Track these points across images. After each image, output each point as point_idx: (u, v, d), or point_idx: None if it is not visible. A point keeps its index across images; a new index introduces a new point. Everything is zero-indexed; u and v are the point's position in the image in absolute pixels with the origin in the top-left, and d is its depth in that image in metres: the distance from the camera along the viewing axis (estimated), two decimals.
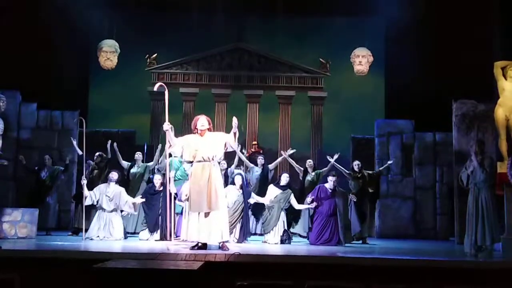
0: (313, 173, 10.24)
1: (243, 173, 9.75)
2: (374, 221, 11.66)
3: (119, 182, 9.41)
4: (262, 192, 9.49)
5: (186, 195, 7.47)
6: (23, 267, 5.83)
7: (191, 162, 7.39)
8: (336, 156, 10.04)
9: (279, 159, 10.75)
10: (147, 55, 14.59)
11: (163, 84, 7.77)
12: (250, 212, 9.33)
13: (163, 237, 8.84)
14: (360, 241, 9.53)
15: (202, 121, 7.39)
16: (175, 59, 14.80)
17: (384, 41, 13.96)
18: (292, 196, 9.10)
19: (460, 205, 9.49)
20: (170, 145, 7.42)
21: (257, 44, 14.84)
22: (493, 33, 10.94)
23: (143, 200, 9.20)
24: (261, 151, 13.28)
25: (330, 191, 9.05)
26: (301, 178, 10.38)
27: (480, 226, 7.45)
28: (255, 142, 13.86)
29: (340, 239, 8.80)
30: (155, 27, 14.12)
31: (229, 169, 10.01)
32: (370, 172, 10.33)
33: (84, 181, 9.09)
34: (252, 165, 10.41)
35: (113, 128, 12.94)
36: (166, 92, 7.63)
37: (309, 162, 10.47)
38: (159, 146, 10.42)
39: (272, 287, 5.19)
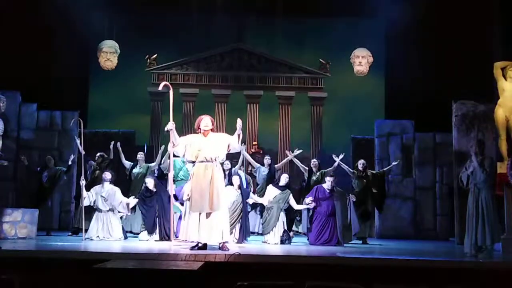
0: (318, 173, 10.25)
1: (243, 173, 9.77)
2: (374, 221, 11.66)
3: (114, 182, 9.41)
4: None
5: (188, 195, 7.45)
6: (23, 267, 5.82)
7: (194, 162, 7.38)
8: (341, 156, 10.14)
9: (286, 159, 10.69)
10: (147, 56, 14.60)
11: (168, 83, 7.76)
12: (258, 211, 9.32)
13: (162, 238, 8.85)
14: (360, 241, 9.52)
15: (206, 121, 7.39)
16: (175, 59, 14.80)
17: (384, 41, 13.95)
18: (291, 196, 9.10)
19: (460, 206, 9.48)
20: (174, 145, 7.40)
21: (257, 44, 14.84)
22: (493, 33, 10.94)
23: (136, 200, 9.21)
24: (261, 152, 13.28)
25: (328, 191, 9.05)
26: (305, 178, 10.39)
27: (480, 226, 7.44)
28: (255, 143, 13.86)
29: (339, 240, 8.81)
30: (155, 28, 14.13)
31: (233, 169, 10.00)
32: (374, 171, 10.36)
33: (82, 182, 9.08)
34: (258, 165, 10.41)
35: (113, 128, 12.95)
36: (171, 92, 7.62)
37: (314, 162, 10.47)
38: (162, 147, 10.40)
39: (272, 287, 5.18)
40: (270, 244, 8.82)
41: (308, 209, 9.02)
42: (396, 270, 6.06)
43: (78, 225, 9.63)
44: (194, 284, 5.03)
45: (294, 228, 9.56)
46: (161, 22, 14.14)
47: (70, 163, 10.47)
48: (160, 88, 7.82)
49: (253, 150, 13.20)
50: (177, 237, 8.48)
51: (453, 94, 10.64)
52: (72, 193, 11.17)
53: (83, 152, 9.79)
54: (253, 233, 9.62)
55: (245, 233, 8.72)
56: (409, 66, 12.41)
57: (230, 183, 9.04)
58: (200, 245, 7.16)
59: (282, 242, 8.85)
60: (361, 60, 13.45)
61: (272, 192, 9.12)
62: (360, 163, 10.05)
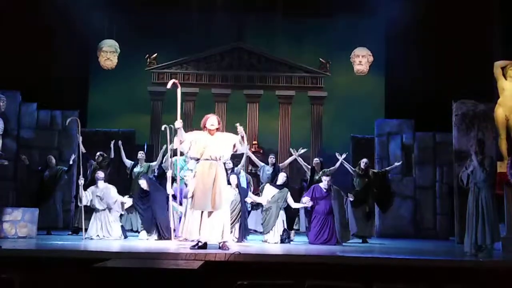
0: (321, 172, 10.24)
1: (243, 173, 9.76)
2: (375, 221, 11.65)
3: (110, 181, 9.41)
4: None
5: (191, 193, 7.41)
6: (23, 267, 5.82)
7: (198, 159, 7.37)
8: (344, 155, 10.09)
9: (291, 158, 10.66)
10: (147, 55, 14.61)
11: (176, 81, 7.74)
12: (262, 210, 9.32)
13: (162, 237, 8.84)
14: (360, 240, 9.52)
15: (212, 120, 7.37)
16: (175, 59, 14.82)
17: (384, 41, 13.96)
18: (288, 194, 9.09)
19: (460, 205, 9.48)
20: (181, 142, 7.37)
21: (257, 44, 14.85)
22: (493, 33, 10.94)
23: (131, 200, 9.21)
24: (261, 151, 13.27)
25: (325, 190, 9.05)
26: (308, 177, 10.38)
27: (480, 225, 7.44)
28: (255, 142, 13.86)
29: (338, 239, 8.81)
30: (155, 27, 14.14)
31: (235, 168, 9.99)
32: (375, 171, 10.36)
33: (81, 181, 9.08)
34: (263, 164, 10.40)
35: (113, 127, 12.95)
36: (179, 90, 7.59)
37: (316, 160, 10.46)
38: (164, 147, 10.38)
39: (272, 287, 5.18)
40: (270, 243, 8.82)
41: (306, 209, 9.03)
42: (396, 269, 6.06)
43: (78, 224, 9.64)
44: (194, 283, 5.03)
45: (295, 227, 9.55)
46: (161, 22, 14.15)
47: (71, 162, 10.47)
48: (169, 86, 7.76)
49: (253, 150, 13.18)
50: (176, 236, 8.48)
51: (453, 93, 10.64)
52: (73, 193, 11.18)
53: (84, 151, 9.79)
54: (255, 231, 9.60)
55: (244, 232, 8.72)
56: (409, 66, 12.42)
57: (228, 182, 9.02)
58: (200, 244, 7.16)
59: (282, 241, 8.84)
60: (361, 59, 13.45)
61: (270, 191, 9.12)
62: (363, 162, 10.04)
